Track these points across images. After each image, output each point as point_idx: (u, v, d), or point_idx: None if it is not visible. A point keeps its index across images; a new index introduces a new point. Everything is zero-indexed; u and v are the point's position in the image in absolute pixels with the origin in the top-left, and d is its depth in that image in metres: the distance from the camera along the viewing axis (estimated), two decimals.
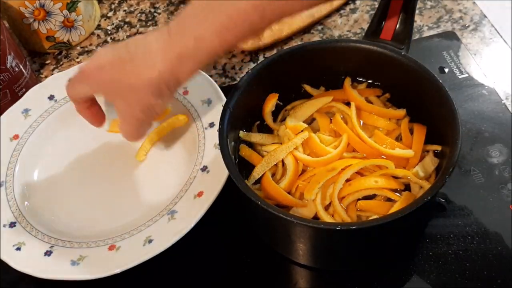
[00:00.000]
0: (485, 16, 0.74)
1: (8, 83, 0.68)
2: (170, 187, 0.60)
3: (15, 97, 0.69)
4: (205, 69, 0.73)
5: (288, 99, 0.59)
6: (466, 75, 0.68)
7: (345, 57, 0.57)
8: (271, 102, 0.57)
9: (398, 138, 0.55)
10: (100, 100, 0.59)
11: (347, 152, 0.54)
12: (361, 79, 0.59)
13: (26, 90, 0.69)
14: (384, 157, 0.53)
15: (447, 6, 0.76)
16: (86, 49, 0.79)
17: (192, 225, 0.54)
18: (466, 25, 0.74)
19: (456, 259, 0.54)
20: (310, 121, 0.57)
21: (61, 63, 0.78)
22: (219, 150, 0.50)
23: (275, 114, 0.58)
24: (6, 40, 0.66)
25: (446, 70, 0.68)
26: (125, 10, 0.83)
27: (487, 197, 0.57)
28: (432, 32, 0.73)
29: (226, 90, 0.60)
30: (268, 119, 0.57)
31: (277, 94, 0.57)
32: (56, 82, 0.68)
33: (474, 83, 0.67)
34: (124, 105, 0.51)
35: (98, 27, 0.81)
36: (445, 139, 0.50)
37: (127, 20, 0.82)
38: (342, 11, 0.78)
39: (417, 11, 0.74)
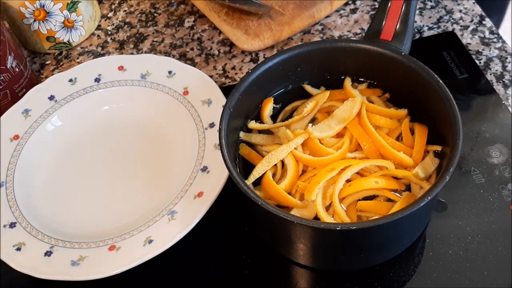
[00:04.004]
0: (485, 16, 0.74)
1: (8, 83, 0.68)
2: (170, 187, 0.60)
3: (15, 98, 0.69)
4: (205, 69, 0.74)
5: (288, 99, 0.59)
6: (466, 75, 0.68)
7: (345, 57, 0.57)
8: (268, 106, 0.57)
9: (399, 138, 0.55)
10: None
11: (348, 152, 0.54)
12: (361, 79, 0.59)
13: (26, 91, 0.69)
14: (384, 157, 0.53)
15: (447, 7, 0.76)
16: (87, 49, 0.79)
17: (192, 225, 0.54)
18: (466, 26, 0.74)
19: (456, 260, 0.54)
20: (311, 121, 0.57)
21: (61, 63, 0.78)
22: (219, 151, 0.50)
23: (275, 114, 0.58)
24: (6, 41, 0.66)
25: (447, 70, 0.68)
26: (125, 11, 0.83)
27: (487, 197, 0.57)
28: (432, 32, 0.73)
29: (226, 90, 0.60)
30: (268, 122, 0.57)
31: (272, 98, 0.57)
32: (56, 82, 0.69)
33: (475, 83, 0.67)
34: None
35: (99, 27, 0.81)
36: (446, 140, 0.50)
37: (127, 20, 0.82)
38: (342, 12, 0.78)
39: (417, 11, 0.74)
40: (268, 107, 0.57)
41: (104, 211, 0.60)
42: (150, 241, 0.54)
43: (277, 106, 0.58)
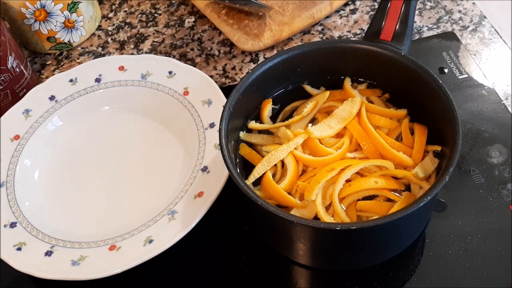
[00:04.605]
0: (485, 17, 0.75)
1: (9, 83, 0.68)
2: (170, 187, 0.60)
3: (16, 98, 0.69)
4: (206, 69, 0.74)
5: (288, 100, 0.59)
6: (466, 75, 0.68)
7: (345, 57, 0.57)
8: (267, 107, 0.57)
9: (399, 138, 0.55)
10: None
11: (348, 152, 0.54)
12: (361, 80, 0.59)
13: (27, 91, 0.69)
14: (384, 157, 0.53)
15: (447, 7, 0.76)
16: (87, 49, 0.79)
17: (193, 225, 0.54)
18: (466, 26, 0.74)
19: (456, 259, 0.54)
20: (311, 121, 0.57)
21: (62, 63, 0.78)
22: (219, 151, 0.50)
23: (275, 114, 0.58)
24: (7, 41, 0.67)
25: (446, 70, 0.68)
26: (125, 11, 0.83)
27: (487, 197, 0.57)
28: (432, 33, 0.74)
29: (226, 90, 0.60)
30: (268, 123, 0.57)
31: (271, 100, 0.58)
32: (57, 82, 0.69)
33: (474, 84, 0.67)
34: None
35: (99, 27, 0.81)
36: (445, 140, 0.50)
37: (127, 20, 0.82)
38: (342, 12, 0.78)
39: (417, 12, 0.74)
40: (267, 108, 0.57)
41: (104, 211, 0.60)
42: (150, 241, 0.54)
43: (276, 107, 0.58)
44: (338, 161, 0.52)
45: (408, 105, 0.56)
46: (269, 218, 0.50)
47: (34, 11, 0.73)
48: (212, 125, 0.62)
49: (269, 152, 0.53)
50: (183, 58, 0.76)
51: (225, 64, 0.74)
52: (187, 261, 0.57)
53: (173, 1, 0.83)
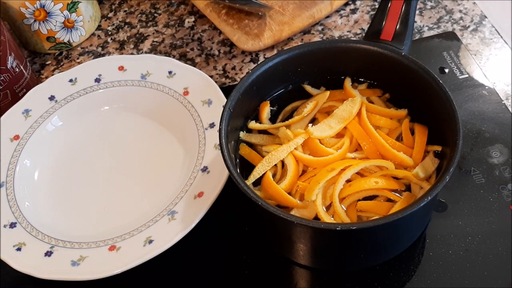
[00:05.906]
0: (485, 17, 0.74)
1: (9, 83, 0.68)
2: (170, 188, 0.60)
3: (16, 98, 0.69)
4: (206, 69, 0.74)
5: (288, 100, 0.59)
6: (467, 75, 0.68)
7: (345, 57, 0.57)
8: (265, 110, 0.57)
9: (399, 138, 0.55)
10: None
11: (348, 152, 0.54)
12: (361, 80, 0.59)
13: (27, 91, 0.69)
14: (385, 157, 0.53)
15: (447, 7, 0.76)
16: (87, 49, 0.79)
17: (193, 225, 0.54)
18: (467, 26, 0.74)
19: (456, 260, 0.54)
20: (311, 121, 0.57)
21: (61, 63, 0.78)
22: (219, 151, 0.50)
23: (275, 114, 0.58)
24: (6, 41, 0.66)
25: (447, 70, 0.68)
26: (125, 11, 0.83)
27: (487, 197, 0.57)
28: (432, 33, 0.73)
29: (227, 90, 0.60)
30: (267, 124, 0.57)
31: (268, 102, 0.57)
32: (57, 82, 0.69)
33: (475, 84, 0.67)
34: None
35: (99, 27, 0.81)
36: (446, 140, 0.50)
37: (127, 20, 0.82)
38: (342, 12, 0.78)
39: (417, 12, 0.74)
40: (266, 110, 0.57)
41: (104, 211, 0.60)
42: (150, 241, 0.54)
43: (274, 108, 0.58)
44: (339, 161, 0.52)
45: (409, 105, 0.56)
46: (269, 219, 0.50)
47: (34, 11, 0.73)
48: (212, 125, 0.62)
49: (269, 152, 0.53)
50: (183, 58, 0.76)
51: (225, 64, 0.74)
52: (187, 261, 0.57)
53: (173, 1, 0.83)
